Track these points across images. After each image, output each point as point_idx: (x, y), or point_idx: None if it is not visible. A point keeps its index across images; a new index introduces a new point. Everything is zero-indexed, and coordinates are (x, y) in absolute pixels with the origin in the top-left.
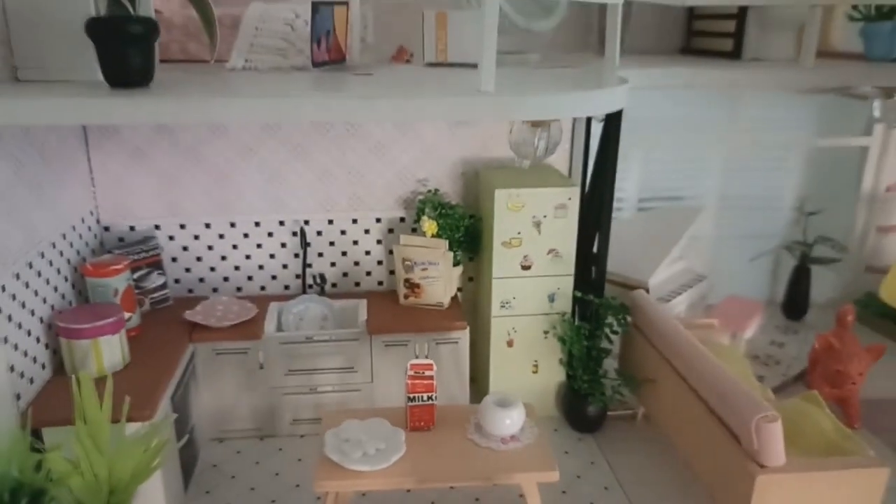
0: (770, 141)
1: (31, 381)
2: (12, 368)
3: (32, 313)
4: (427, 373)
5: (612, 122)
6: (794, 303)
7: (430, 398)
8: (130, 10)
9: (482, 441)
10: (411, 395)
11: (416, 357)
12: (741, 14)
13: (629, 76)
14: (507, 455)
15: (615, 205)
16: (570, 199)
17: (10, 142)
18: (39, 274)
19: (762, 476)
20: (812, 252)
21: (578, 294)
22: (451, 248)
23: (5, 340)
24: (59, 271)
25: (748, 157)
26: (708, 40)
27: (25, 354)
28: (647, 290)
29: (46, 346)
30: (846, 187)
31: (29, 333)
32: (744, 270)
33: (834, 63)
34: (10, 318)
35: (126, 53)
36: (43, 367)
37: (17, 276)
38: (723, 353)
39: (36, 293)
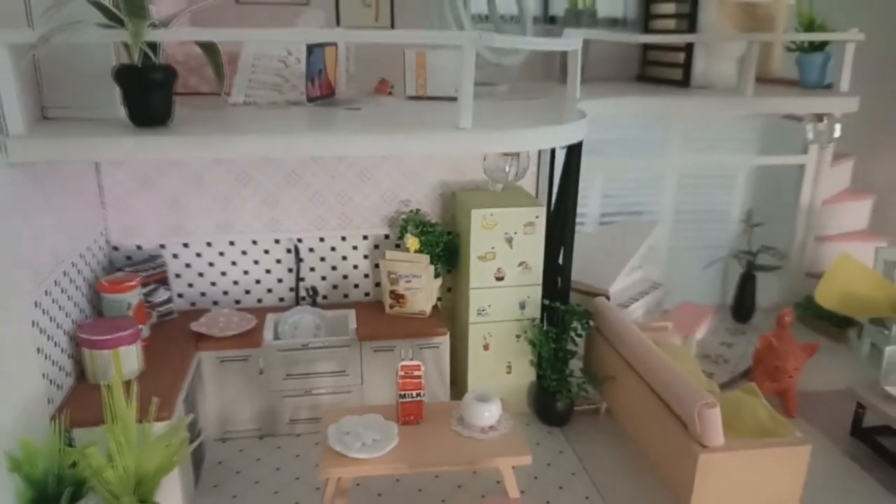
0: (717, 160)
1: (59, 387)
2: (45, 376)
3: (58, 326)
4: (416, 373)
5: (574, 150)
6: (742, 307)
7: (418, 395)
8: (153, 58)
9: (464, 431)
10: (402, 393)
11: (402, 359)
12: (689, 47)
13: (588, 107)
14: (487, 443)
15: (579, 220)
16: (537, 217)
17: (41, 172)
18: (63, 291)
19: (704, 455)
20: (757, 260)
21: (546, 302)
22: (431, 262)
23: (39, 351)
24: (77, 288)
25: (699, 176)
26: (660, 69)
27: (54, 363)
28: (608, 297)
29: (70, 355)
30: (787, 201)
31: (56, 344)
32: (697, 278)
33: (772, 90)
34: (42, 331)
35: (150, 98)
36: (67, 374)
37: (47, 293)
38: (674, 352)
39: (60, 308)
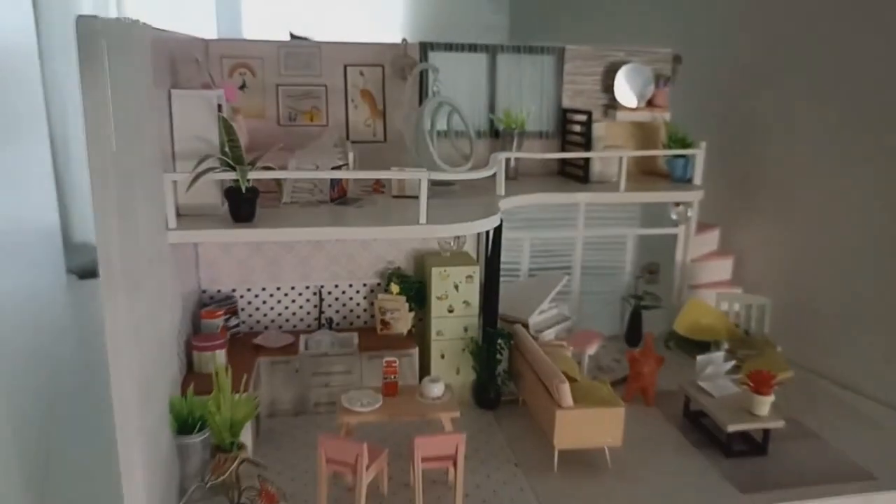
0: (611, 231)
1: (182, 373)
2: (179, 369)
3: (181, 340)
4: (393, 365)
5: (497, 230)
6: (632, 335)
7: (395, 378)
8: (244, 184)
9: (422, 400)
10: (385, 376)
11: (386, 358)
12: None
13: (511, 201)
14: (434, 405)
15: (514, 271)
16: (473, 272)
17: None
18: (180, 320)
19: (559, 411)
20: (642, 302)
21: (482, 327)
22: (407, 301)
23: (178, 356)
24: (188, 316)
25: (599, 242)
26: (571, 168)
27: (179, 360)
28: (527, 326)
29: (186, 355)
30: (668, 258)
31: (181, 351)
32: (601, 315)
33: (649, 183)
34: (178, 347)
35: (244, 206)
36: (184, 365)
37: (180, 322)
38: (559, 357)
39: (179, 330)
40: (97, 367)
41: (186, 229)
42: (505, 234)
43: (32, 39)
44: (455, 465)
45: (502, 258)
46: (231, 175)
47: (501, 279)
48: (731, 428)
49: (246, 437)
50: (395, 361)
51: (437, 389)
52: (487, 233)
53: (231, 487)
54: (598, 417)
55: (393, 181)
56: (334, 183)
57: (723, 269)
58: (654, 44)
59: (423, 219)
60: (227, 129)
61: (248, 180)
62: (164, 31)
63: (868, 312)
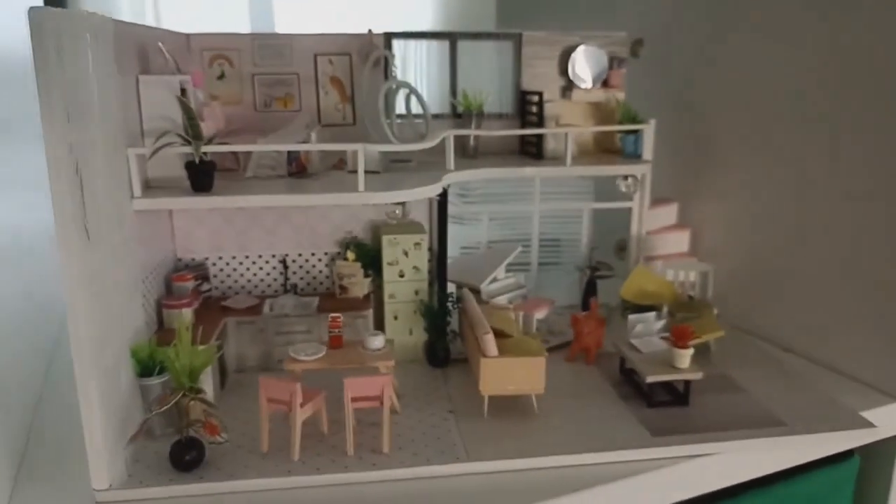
0: (566, 205)
1: (150, 328)
2: (146, 322)
3: (152, 299)
4: (337, 320)
5: (442, 201)
6: (586, 304)
7: (338, 332)
8: (204, 157)
9: (364, 351)
10: (330, 330)
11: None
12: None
13: (465, 175)
14: (373, 355)
15: (475, 243)
16: (422, 239)
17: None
18: (153, 280)
19: (483, 360)
20: (595, 273)
21: (437, 291)
22: (363, 267)
23: (143, 307)
24: (159, 279)
25: (555, 215)
26: (527, 146)
27: (148, 316)
28: (479, 291)
29: (156, 314)
30: (623, 232)
31: (148, 307)
32: (557, 285)
33: (600, 158)
34: (145, 303)
35: (202, 177)
36: (155, 323)
37: (143, 280)
38: (500, 317)
39: (150, 289)
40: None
41: (151, 197)
42: (465, 209)
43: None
44: (382, 404)
45: (463, 231)
46: (190, 149)
47: (462, 251)
48: (650, 379)
49: (208, 385)
50: (339, 317)
51: (377, 342)
52: (440, 204)
53: (181, 419)
54: (520, 366)
55: (348, 158)
56: (291, 159)
57: (680, 241)
58: (638, 24)
59: (361, 187)
60: (185, 109)
61: (206, 154)
62: (131, 24)
63: (810, 279)
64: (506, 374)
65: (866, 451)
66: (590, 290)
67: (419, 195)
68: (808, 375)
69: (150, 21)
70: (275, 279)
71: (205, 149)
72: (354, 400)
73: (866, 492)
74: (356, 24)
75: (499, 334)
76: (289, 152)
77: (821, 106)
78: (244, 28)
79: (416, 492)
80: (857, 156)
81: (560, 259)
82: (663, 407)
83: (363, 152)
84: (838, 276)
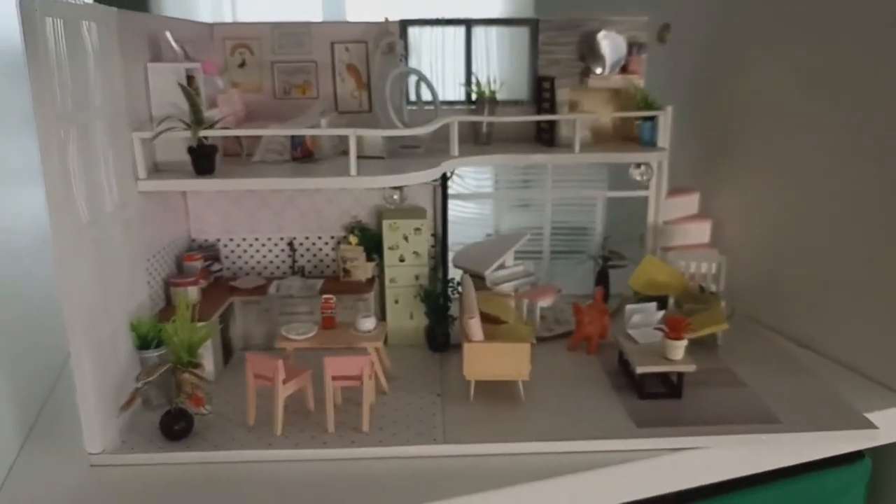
0: (580, 193)
1: (156, 304)
2: (150, 296)
3: (160, 277)
4: (330, 301)
5: (443, 182)
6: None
7: (331, 313)
8: (205, 141)
9: (356, 332)
10: (322, 311)
11: (324, 295)
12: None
13: (471, 161)
14: (362, 336)
15: (487, 231)
16: (422, 224)
17: (158, 198)
18: (163, 258)
19: (467, 344)
20: (608, 262)
21: (432, 274)
22: (367, 252)
23: (149, 286)
24: (170, 258)
25: (568, 203)
26: (542, 133)
27: (153, 292)
28: (483, 277)
29: (163, 291)
30: (640, 221)
31: (154, 284)
32: (570, 274)
33: (616, 146)
34: (150, 280)
35: (203, 161)
36: (161, 300)
37: (149, 259)
38: (498, 303)
39: (158, 267)
40: None
41: (156, 179)
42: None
43: None
44: (362, 383)
45: (473, 218)
46: (201, 133)
47: (474, 239)
48: (640, 370)
49: (208, 361)
50: (331, 298)
51: (368, 324)
52: (443, 190)
53: (168, 390)
54: (504, 352)
55: (351, 143)
56: (296, 144)
57: (701, 232)
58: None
59: (353, 171)
60: (186, 95)
61: (206, 138)
62: (140, 14)
63: (831, 275)
64: (490, 360)
65: (880, 453)
66: (602, 279)
67: (412, 180)
68: (821, 373)
69: (226, 11)
70: (283, 261)
71: (205, 133)
72: (335, 379)
73: (880, 496)
74: (427, 9)
75: (494, 320)
76: (293, 137)
77: (845, 98)
78: (317, 16)
79: (391, 471)
80: (882, 150)
81: (574, 248)
82: (656, 399)
83: (354, 138)
84: (860, 272)
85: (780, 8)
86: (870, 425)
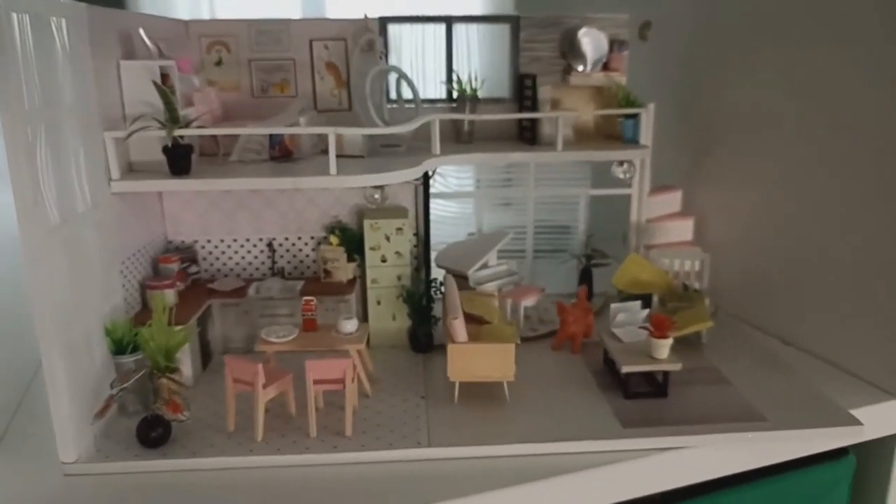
0: (562, 191)
1: (131, 307)
2: (125, 299)
3: (135, 280)
4: (310, 303)
5: (425, 181)
6: None
7: (312, 315)
8: (180, 140)
9: (338, 335)
10: (303, 313)
11: (305, 297)
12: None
13: (450, 160)
14: (343, 339)
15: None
16: (404, 224)
17: (132, 199)
18: (138, 261)
19: (451, 345)
20: (591, 261)
21: (415, 275)
22: (348, 252)
23: (124, 289)
24: (146, 260)
25: (550, 202)
26: (524, 132)
27: (128, 294)
28: (466, 277)
29: (139, 294)
30: (623, 219)
31: (129, 286)
32: (554, 273)
33: (599, 144)
34: (125, 283)
35: (179, 161)
36: (137, 303)
37: (124, 262)
38: (482, 303)
39: (134, 269)
40: None
41: (129, 180)
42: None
43: None
44: (345, 387)
45: (455, 217)
46: (177, 133)
47: (456, 238)
48: (626, 369)
49: (186, 365)
50: (312, 300)
51: (349, 326)
52: (425, 189)
53: (145, 396)
54: (489, 353)
55: (330, 141)
56: (274, 143)
57: (684, 229)
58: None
59: (332, 171)
60: (161, 93)
61: (182, 137)
62: (111, 10)
63: (813, 272)
64: (474, 361)
65: (864, 449)
66: (585, 278)
67: (393, 179)
68: (805, 370)
69: (204, 8)
70: (262, 262)
71: (181, 132)
72: (317, 382)
73: (864, 492)
74: (407, 6)
75: (478, 320)
76: (271, 136)
77: (828, 99)
78: (295, 13)
79: (374, 475)
80: (864, 149)
81: (557, 247)
82: (641, 398)
83: (334, 136)
84: (842, 269)
85: (762, 7)
86: (854, 422)
